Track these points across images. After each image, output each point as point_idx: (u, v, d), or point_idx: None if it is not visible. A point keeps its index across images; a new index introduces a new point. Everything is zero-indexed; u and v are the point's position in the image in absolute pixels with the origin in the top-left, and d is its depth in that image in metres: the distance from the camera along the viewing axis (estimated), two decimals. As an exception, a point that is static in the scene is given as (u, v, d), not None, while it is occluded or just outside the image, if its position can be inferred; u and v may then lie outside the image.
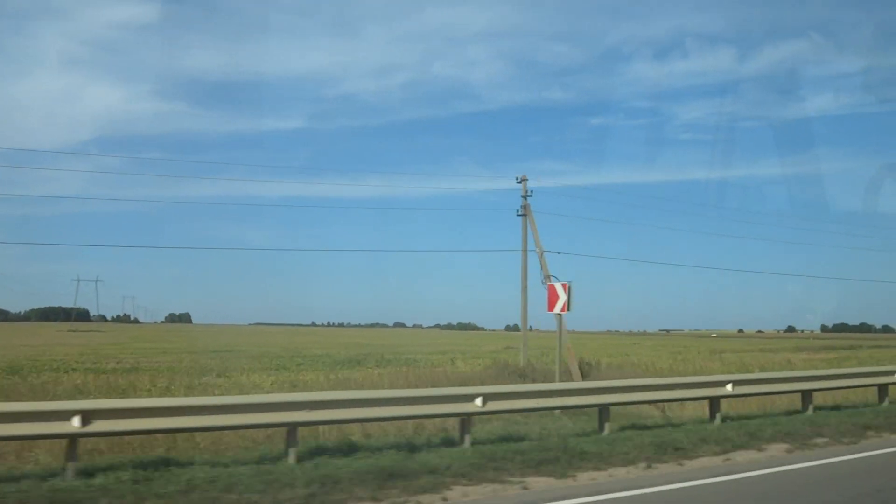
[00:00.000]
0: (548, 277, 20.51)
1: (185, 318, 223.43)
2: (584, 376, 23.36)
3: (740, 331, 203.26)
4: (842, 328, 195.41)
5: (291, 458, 9.24)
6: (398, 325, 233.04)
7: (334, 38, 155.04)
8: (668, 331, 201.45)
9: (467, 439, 10.57)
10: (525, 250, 24.27)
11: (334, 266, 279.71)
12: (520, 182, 24.82)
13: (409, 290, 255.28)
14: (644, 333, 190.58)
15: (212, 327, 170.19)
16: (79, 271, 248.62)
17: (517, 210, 24.73)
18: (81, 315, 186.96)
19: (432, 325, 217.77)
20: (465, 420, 10.65)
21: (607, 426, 11.87)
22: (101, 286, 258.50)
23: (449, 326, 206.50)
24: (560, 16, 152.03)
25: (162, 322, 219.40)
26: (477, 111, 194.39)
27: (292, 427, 9.45)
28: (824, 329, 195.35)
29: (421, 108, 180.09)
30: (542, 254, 23.17)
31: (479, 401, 10.67)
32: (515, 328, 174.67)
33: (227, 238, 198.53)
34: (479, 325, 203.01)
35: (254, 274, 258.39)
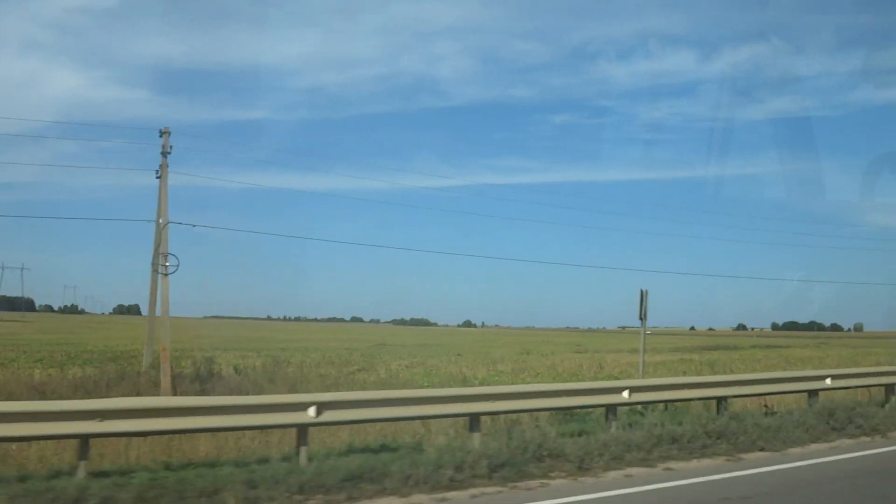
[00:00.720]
0: (164, 256, 18.11)
1: (133, 310, 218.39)
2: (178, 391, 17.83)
3: (692, 328, 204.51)
4: (792, 326, 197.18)
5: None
6: (355, 319, 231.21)
7: (300, 30, 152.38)
8: (623, 327, 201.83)
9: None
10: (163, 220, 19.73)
11: (293, 259, 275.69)
12: (161, 135, 20.09)
13: (378, 285, 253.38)
14: (603, 330, 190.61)
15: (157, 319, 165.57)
16: (24, 259, 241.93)
17: (156, 171, 20.03)
18: (27, 305, 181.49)
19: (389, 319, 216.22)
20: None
21: None
22: (47, 276, 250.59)
23: (402, 321, 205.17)
24: (526, 14, 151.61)
25: (109, 313, 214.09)
26: (443, 106, 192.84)
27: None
28: (775, 327, 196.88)
29: (387, 103, 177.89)
30: (165, 225, 19.37)
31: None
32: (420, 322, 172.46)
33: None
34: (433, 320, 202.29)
35: (208, 265, 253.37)
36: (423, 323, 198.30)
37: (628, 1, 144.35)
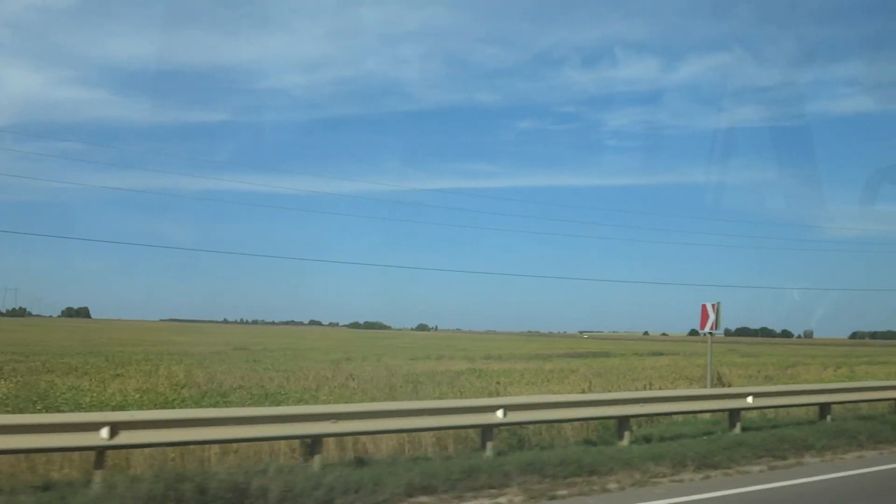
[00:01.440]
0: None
1: (83, 313, 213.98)
2: None
3: (645, 333, 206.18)
4: (744, 332, 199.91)
5: None
6: (314, 322, 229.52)
7: (263, 31, 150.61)
8: (582, 332, 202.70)
9: None
10: None
11: (253, 263, 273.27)
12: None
13: (326, 289, 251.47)
14: (563, 335, 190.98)
15: (112, 322, 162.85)
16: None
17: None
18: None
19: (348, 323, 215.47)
20: None
21: None
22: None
23: (357, 325, 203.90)
24: (492, 18, 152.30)
25: (58, 316, 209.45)
26: (408, 110, 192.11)
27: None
28: (727, 333, 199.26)
29: (351, 105, 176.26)
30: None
31: None
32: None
33: (142, 232, 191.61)
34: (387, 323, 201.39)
35: (165, 269, 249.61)
36: (379, 326, 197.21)
37: (593, 8, 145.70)
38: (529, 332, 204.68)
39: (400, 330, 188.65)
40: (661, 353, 54.19)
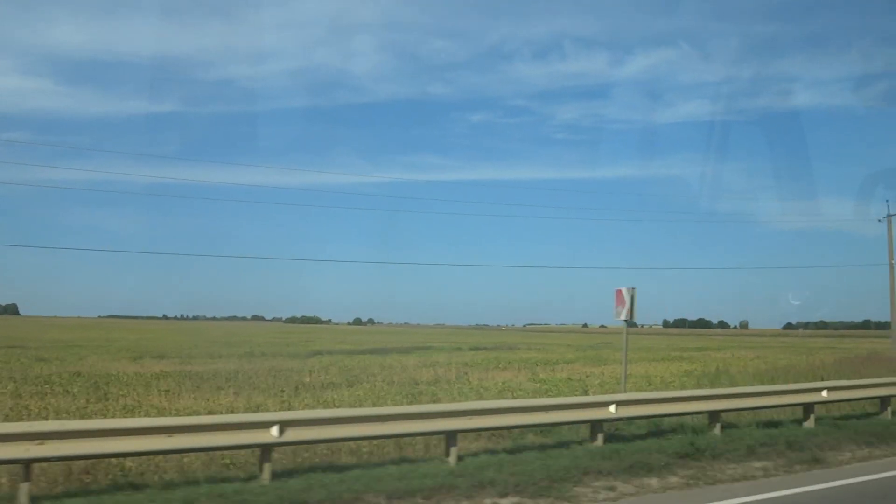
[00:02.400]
0: None
1: (11, 310, 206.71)
2: None
3: (585, 325, 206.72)
4: (682, 323, 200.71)
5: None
6: (256, 318, 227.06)
7: (210, 20, 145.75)
8: (526, 325, 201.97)
9: None
10: None
11: (199, 259, 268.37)
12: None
13: (270, 283, 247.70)
14: (511, 327, 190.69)
15: (49, 319, 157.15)
16: None
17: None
18: None
19: (287, 318, 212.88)
20: None
21: None
22: None
23: (294, 319, 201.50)
24: (443, 11, 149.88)
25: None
26: (360, 102, 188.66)
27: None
28: (666, 324, 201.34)
29: (301, 97, 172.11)
30: None
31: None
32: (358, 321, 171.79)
33: (83, 225, 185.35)
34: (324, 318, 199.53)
35: (104, 264, 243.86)
36: (315, 321, 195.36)
37: (543, 2, 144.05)
38: (476, 325, 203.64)
39: (336, 324, 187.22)
40: (497, 348, 51.87)
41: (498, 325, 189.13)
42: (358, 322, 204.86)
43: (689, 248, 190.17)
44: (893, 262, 32.70)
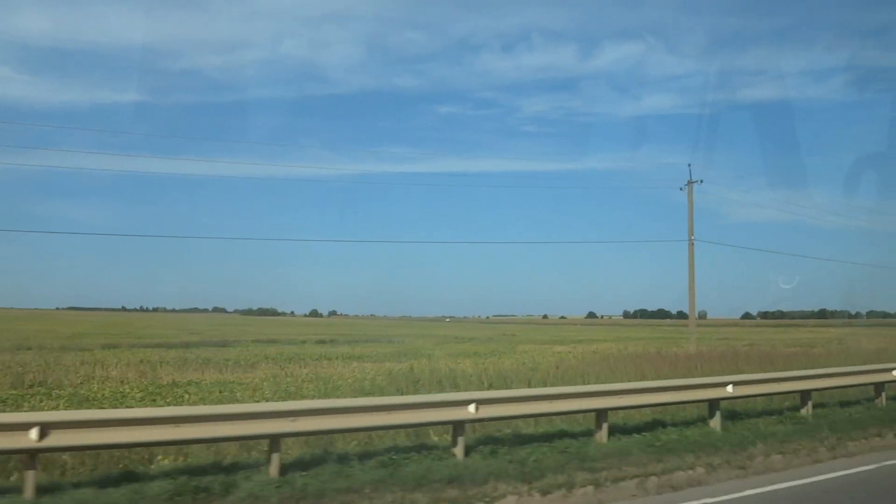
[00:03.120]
0: None
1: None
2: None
3: (544, 316, 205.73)
4: (642, 314, 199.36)
5: None
6: (217, 309, 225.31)
7: (176, 10, 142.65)
8: (489, 317, 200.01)
9: None
10: None
11: (153, 248, 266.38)
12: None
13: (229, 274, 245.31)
14: (474, 319, 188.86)
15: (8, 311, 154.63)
16: None
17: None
18: None
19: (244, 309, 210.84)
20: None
21: None
22: None
23: (250, 311, 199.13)
24: (413, 3, 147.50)
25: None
26: (328, 93, 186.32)
27: None
28: (626, 315, 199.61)
29: (269, 88, 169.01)
30: None
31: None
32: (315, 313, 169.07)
33: (47, 215, 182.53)
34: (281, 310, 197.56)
35: (63, 254, 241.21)
36: (271, 312, 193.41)
37: None
38: (443, 316, 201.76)
39: (292, 315, 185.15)
40: (352, 342, 49.19)
41: (442, 317, 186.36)
42: (315, 314, 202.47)
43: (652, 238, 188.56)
44: (693, 237, 30.39)
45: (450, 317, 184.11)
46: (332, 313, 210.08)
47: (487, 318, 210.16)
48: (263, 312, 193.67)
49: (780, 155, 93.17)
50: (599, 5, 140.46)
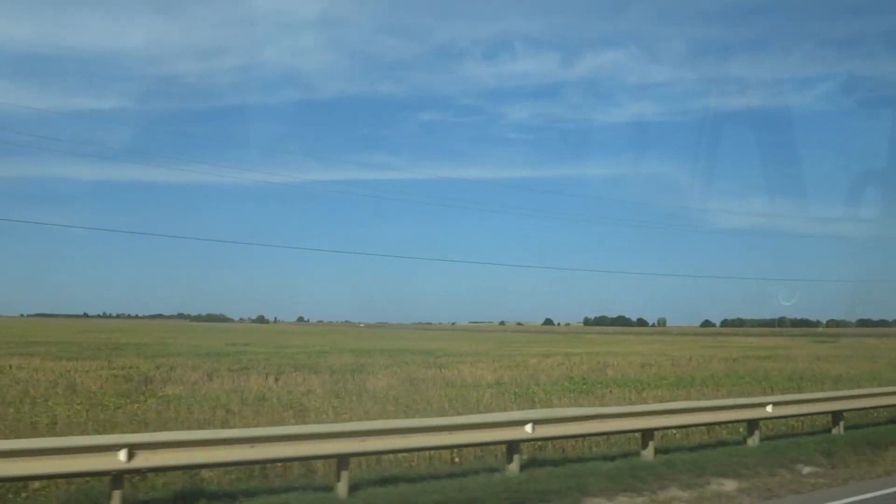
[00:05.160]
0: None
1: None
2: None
3: (501, 323, 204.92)
4: (602, 321, 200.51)
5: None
6: (181, 316, 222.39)
7: (155, 16, 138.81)
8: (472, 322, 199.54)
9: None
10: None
11: (119, 255, 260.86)
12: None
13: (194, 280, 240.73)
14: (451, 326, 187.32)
15: None
16: None
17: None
18: None
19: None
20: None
21: None
22: None
23: (199, 317, 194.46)
24: (393, 9, 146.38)
25: None
26: (308, 100, 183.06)
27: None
28: (587, 322, 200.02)
29: (249, 95, 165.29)
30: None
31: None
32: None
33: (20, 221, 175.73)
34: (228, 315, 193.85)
35: (30, 260, 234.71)
36: (220, 319, 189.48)
37: (493, 1, 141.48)
38: (419, 323, 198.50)
39: (239, 321, 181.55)
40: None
41: (358, 323, 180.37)
42: (262, 320, 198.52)
43: (618, 249, 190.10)
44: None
45: (363, 323, 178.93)
46: (300, 319, 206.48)
47: (453, 324, 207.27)
48: (212, 318, 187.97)
49: (762, 162, 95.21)
50: (579, 13, 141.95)
